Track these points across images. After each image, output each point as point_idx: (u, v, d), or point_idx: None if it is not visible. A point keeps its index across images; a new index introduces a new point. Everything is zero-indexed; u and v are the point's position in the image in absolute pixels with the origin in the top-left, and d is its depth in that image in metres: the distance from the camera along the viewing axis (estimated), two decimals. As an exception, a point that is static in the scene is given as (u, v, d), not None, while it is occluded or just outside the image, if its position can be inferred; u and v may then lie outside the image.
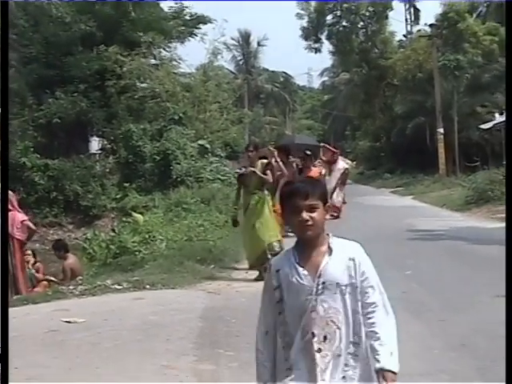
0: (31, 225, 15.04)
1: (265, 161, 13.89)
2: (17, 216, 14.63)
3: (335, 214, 22.91)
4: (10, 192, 14.96)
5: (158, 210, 25.09)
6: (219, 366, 7.47)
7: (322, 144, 28.50)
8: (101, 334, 8.85)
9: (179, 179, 31.26)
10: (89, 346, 8.35)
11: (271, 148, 17.72)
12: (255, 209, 13.50)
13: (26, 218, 15.03)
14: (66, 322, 9.48)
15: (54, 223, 33.25)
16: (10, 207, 14.44)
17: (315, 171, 20.10)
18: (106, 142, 39.11)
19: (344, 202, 26.03)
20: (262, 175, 13.41)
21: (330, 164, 23.70)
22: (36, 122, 35.28)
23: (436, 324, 9.17)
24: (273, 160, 15.07)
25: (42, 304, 10.97)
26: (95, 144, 40.27)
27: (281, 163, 15.71)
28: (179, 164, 32.09)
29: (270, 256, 12.32)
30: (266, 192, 13.81)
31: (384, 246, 17.43)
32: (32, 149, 33.66)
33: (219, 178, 32.61)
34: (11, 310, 10.68)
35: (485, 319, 9.10)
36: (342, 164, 25.10)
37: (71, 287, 11.99)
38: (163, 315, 9.87)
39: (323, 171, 22.29)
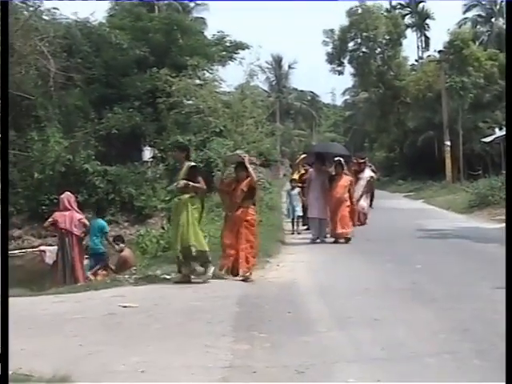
0: (87, 222, 15.16)
1: (192, 163, 12.08)
2: (75, 215, 14.81)
3: (362, 221, 22.06)
4: (69, 194, 15.14)
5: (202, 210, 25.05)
6: (254, 346, 7.45)
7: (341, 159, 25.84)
8: (152, 316, 8.89)
9: (220, 184, 31.23)
10: (142, 327, 8.39)
11: (241, 154, 14.94)
12: (177, 210, 11.87)
13: (82, 216, 15.17)
14: (123, 306, 9.55)
15: (111, 221, 33.31)
16: (68, 207, 14.61)
17: (346, 179, 18.69)
18: (156, 151, 39.30)
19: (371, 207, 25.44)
20: (196, 185, 11.63)
21: (357, 173, 22.63)
22: (97, 134, 35.57)
23: (442, 311, 9.10)
24: (248, 164, 12.55)
25: (102, 290, 11.02)
26: (147, 153, 40.47)
27: (250, 169, 12.61)
28: (220, 171, 32.02)
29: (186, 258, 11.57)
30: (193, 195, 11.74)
31: (398, 243, 17.48)
32: (93, 157, 34.06)
33: (254, 183, 32.51)
34: (77, 295, 10.80)
35: (485, 307, 9.03)
36: (368, 173, 24.24)
37: (126, 276, 12.04)
38: (205, 301, 9.90)
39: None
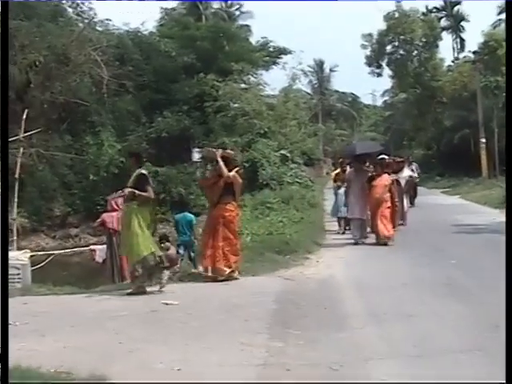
0: None
1: (141, 171, 10.96)
2: None
3: (402, 222, 19.97)
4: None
5: (247, 208, 24.92)
6: (288, 343, 7.21)
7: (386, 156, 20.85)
8: (191, 314, 8.69)
9: (264, 182, 31.14)
10: (181, 324, 8.18)
11: (213, 149, 12.98)
12: (124, 220, 11.18)
13: None
14: (164, 303, 9.37)
15: (162, 219, 33.54)
16: (116, 208, 14.48)
17: (386, 178, 16.94)
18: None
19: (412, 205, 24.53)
20: (142, 193, 10.67)
21: (396, 173, 20.40)
22: (148, 137, 35.72)
23: (476, 306, 8.79)
24: (219, 159, 11.77)
25: (147, 288, 10.80)
26: (196, 154, 40.39)
27: (222, 164, 11.69)
28: (264, 170, 31.97)
29: (144, 269, 10.55)
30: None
31: (435, 238, 17.05)
32: (145, 159, 34.04)
33: (297, 182, 32.42)
34: (121, 293, 10.64)
35: (519, 303, 8.66)
36: (407, 172, 22.84)
37: (170, 274, 11.81)
38: (244, 298, 9.66)
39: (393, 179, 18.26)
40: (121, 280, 13.76)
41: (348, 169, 19.19)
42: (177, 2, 50.62)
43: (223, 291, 10.37)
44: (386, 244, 15.91)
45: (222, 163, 11.74)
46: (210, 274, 11.48)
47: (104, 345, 7.26)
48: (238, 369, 6.32)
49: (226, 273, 11.41)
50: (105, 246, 14.85)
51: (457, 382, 5.87)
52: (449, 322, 7.99)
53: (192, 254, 15.74)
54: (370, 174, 16.90)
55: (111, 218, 14.40)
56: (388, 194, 16.68)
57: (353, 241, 16.66)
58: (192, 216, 16.71)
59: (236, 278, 11.48)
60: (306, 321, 8.23)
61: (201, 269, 11.74)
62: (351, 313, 8.63)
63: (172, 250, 15.30)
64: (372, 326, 7.89)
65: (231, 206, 11.81)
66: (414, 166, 28.17)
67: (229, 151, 12.76)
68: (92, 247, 15.98)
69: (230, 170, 11.80)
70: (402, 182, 21.10)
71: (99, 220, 14.81)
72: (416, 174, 26.95)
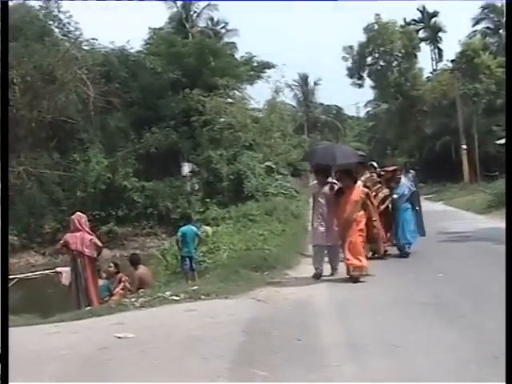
0: (98, 242, 13.36)
1: None
2: (86, 235, 13.07)
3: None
4: (79, 214, 13.43)
5: (231, 221, 23.59)
6: (250, 390, 5.68)
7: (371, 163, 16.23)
8: (144, 351, 7.04)
9: (250, 194, 29.98)
10: (129, 366, 6.57)
11: None
12: None
13: (93, 237, 13.35)
14: (118, 337, 7.77)
15: (150, 233, 32.63)
16: (79, 228, 12.91)
17: (358, 192, 11.98)
18: (194, 166, 38.16)
19: None
20: None
21: (391, 182, 15.19)
22: (137, 152, 34.75)
23: (470, 332, 7.25)
24: None
25: (105, 317, 9.18)
26: (186, 168, 39.21)
27: None
28: (250, 182, 30.75)
29: None
30: None
31: (419, 249, 15.36)
32: (131, 174, 33.15)
33: (282, 193, 31.31)
34: (77, 323, 9.09)
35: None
36: (407, 182, 16.17)
37: (133, 299, 10.21)
38: (208, 329, 8.00)
39: (370, 192, 13.64)
40: (87, 304, 12.19)
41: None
42: (164, 21, 49.79)
43: (187, 320, 8.72)
44: (356, 280, 11.33)
45: None
46: None
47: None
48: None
49: None
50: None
51: None
52: (440, 355, 6.45)
53: (194, 266, 15.41)
54: (336, 187, 12.14)
55: (75, 239, 12.82)
56: (361, 213, 12.08)
57: (313, 276, 12.05)
58: (195, 228, 16.40)
59: None
60: (274, 357, 6.67)
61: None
62: (328, 345, 7.06)
63: (142, 270, 13.83)
64: (351, 363, 6.34)
65: None
66: (411, 174, 24.58)
67: None
68: (58, 269, 14.31)
69: None
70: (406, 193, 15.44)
71: (62, 241, 13.25)
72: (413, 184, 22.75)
